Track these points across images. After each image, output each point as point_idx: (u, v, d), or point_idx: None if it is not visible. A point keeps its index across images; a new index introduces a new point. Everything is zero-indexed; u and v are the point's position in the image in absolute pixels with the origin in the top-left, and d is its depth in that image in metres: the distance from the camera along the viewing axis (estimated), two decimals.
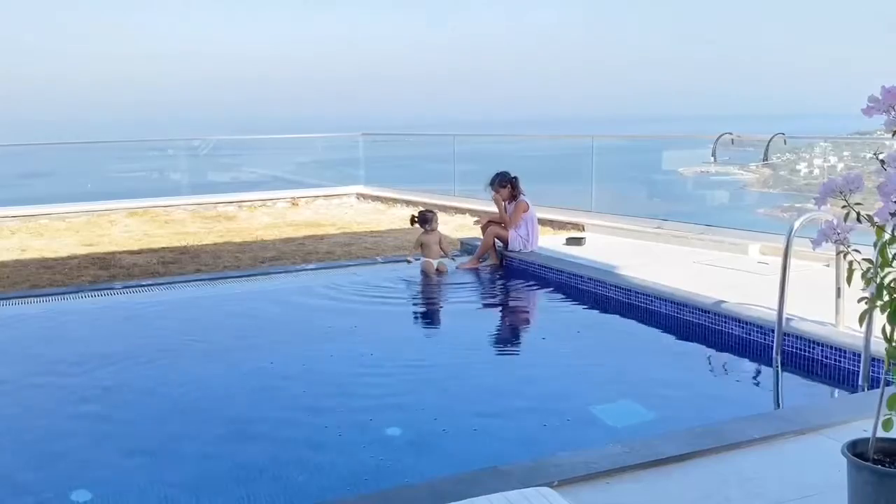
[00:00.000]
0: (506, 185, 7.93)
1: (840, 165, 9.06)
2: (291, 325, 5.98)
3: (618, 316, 6.10)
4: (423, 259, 7.69)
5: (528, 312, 6.78)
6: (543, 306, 6.79)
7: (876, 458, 2.16)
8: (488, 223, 8.09)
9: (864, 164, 8.43)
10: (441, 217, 8.33)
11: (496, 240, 7.92)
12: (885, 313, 2.04)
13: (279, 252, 9.43)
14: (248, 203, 14.26)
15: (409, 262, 7.80)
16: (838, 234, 2.18)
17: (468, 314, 6.58)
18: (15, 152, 15.59)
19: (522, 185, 7.97)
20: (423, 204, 12.93)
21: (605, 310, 6.26)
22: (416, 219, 7.92)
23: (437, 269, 7.58)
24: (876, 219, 2.04)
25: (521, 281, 7.45)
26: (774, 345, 4.73)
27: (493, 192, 8.01)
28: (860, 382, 4.17)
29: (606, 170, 11.14)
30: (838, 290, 4.65)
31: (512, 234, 7.86)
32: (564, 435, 3.88)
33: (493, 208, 8.25)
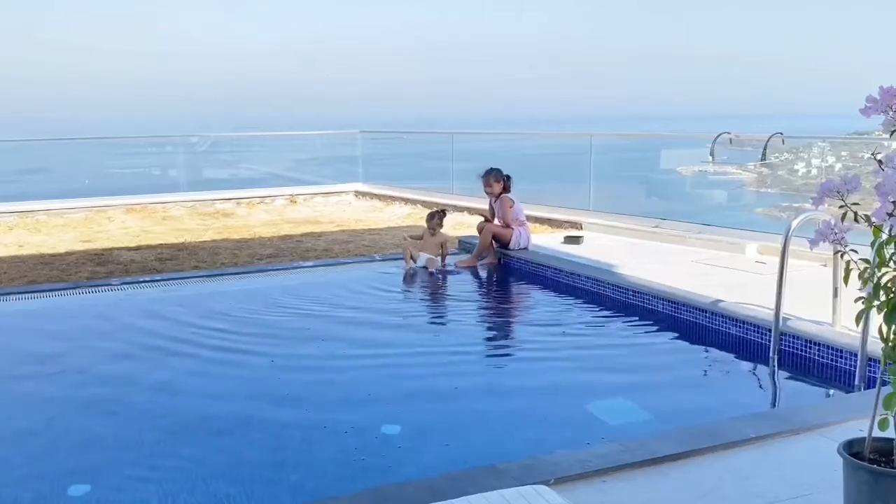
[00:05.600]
0: (500, 180, 7.89)
1: (838, 165, 9.07)
2: (286, 322, 5.97)
3: (615, 314, 6.10)
4: (422, 254, 7.69)
5: (525, 311, 6.77)
6: (540, 305, 6.79)
7: (872, 457, 2.17)
8: (483, 222, 8.08)
9: (862, 165, 8.44)
10: None
11: (493, 240, 7.89)
12: (882, 313, 2.05)
13: (277, 249, 9.43)
14: (247, 200, 14.26)
15: (405, 238, 7.99)
16: (836, 233, 2.18)
17: (465, 312, 6.58)
18: (12, 148, 15.57)
19: (512, 185, 7.95)
20: (422, 202, 12.95)
21: (602, 308, 6.26)
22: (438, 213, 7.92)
23: (430, 270, 7.53)
24: (873, 219, 2.05)
25: (519, 279, 7.45)
26: (771, 344, 4.74)
27: (485, 186, 7.94)
28: (856, 382, 4.18)
29: (604, 168, 11.13)
30: (835, 289, 4.66)
31: (515, 234, 7.80)
32: (561, 433, 3.88)
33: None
